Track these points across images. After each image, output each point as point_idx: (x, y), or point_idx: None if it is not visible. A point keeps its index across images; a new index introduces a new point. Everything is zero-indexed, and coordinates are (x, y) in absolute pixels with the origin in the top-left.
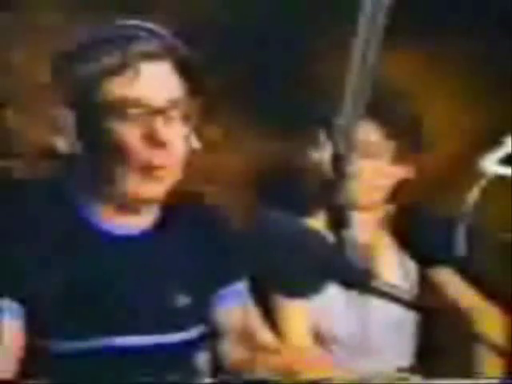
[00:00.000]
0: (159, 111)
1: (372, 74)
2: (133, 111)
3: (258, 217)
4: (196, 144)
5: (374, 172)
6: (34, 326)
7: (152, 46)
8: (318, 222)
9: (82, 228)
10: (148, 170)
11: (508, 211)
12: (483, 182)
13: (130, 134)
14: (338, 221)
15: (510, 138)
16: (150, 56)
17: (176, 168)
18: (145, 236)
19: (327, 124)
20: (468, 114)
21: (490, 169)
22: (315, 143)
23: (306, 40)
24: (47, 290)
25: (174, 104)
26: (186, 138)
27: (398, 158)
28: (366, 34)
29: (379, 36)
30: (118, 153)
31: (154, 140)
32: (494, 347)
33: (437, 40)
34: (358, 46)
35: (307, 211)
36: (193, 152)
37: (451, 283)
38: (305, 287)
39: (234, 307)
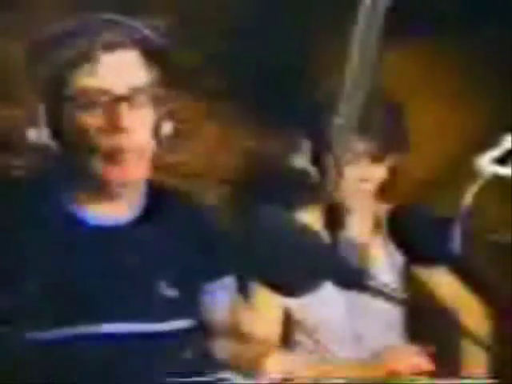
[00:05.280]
0: (121, 98)
1: (371, 74)
2: (95, 100)
3: (254, 214)
4: (168, 130)
5: (354, 178)
6: (21, 316)
7: (114, 36)
8: (312, 218)
9: (65, 218)
10: (112, 155)
11: (505, 211)
12: (480, 182)
13: (93, 121)
14: (334, 221)
15: (506, 138)
16: (112, 45)
17: (141, 152)
18: (129, 226)
19: (325, 124)
20: (466, 113)
21: (487, 168)
22: (296, 145)
23: (306, 40)
24: (33, 279)
25: (138, 91)
26: (157, 124)
27: (377, 158)
28: (366, 27)
29: (378, 32)
30: (83, 140)
31: (115, 126)
32: (484, 347)
33: (435, 40)
34: (357, 41)
35: (303, 209)
36: (167, 138)
37: (445, 283)
38: (296, 286)
39: (222, 301)
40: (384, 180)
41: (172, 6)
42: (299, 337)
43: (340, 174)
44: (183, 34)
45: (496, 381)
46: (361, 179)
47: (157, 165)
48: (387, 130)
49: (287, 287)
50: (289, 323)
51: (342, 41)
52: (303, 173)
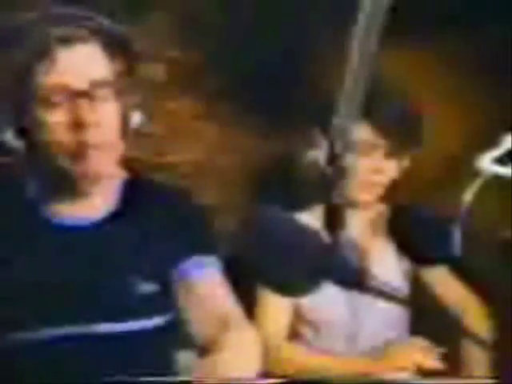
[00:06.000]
0: (82, 93)
1: (370, 72)
2: (56, 97)
3: (254, 214)
4: (138, 120)
5: (367, 169)
6: (3, 317)
7: (71, 30)
8: (312, 218)
9: (37, 218)
10: (78, 152)
11: (505, 210)
12: (480, 182)
13: (57, 118)
14: (335, 221)
15: (506, 137)
16: (67, 40)
17: (108, 146)
18: (102, 224)
19: (325, 123)
20: (466, 113)
21: (487, 168)
22: (312, 142)
23: (306, 40)
24: (8, 281)
25: (100, 84)
26: (123, 117)
27: (391, 154)
28: (366, 27)
29: (378, 32)
30: (49, 138)
31: (78, 122)
32: (485, 346)
33: (436, 40)
34: (357, 41)
35: (304, 209)
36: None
37: (445, 283)
38: (297, 286)
39: (197, 278)
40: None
41: (172, 6)
42: (303, 331)
43: (342, 172)
44: (183, 33)
45: (496, 381)
46: (373, 171)
47: (157, 164)
48: (403, 126)
49: (287, 287)
50: (295, 318)
51: (342, 41)
52: (316, 169)
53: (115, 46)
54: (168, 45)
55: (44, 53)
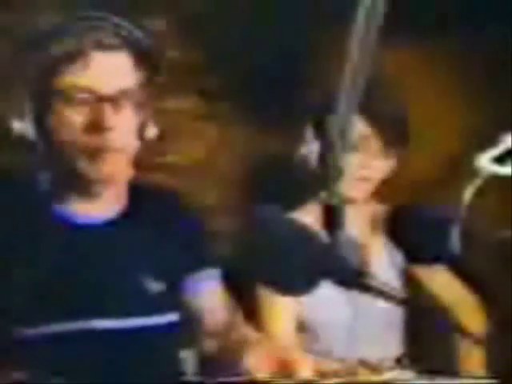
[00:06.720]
0: (107, 99)
1: (369, 70)
2: (81, 97)
3: (253, 214)
4: (152, 133)
5: (360, 164)
6: (7, 313)
7: (108, 36)
8: (312, 218)
9: (49, 216)
10: (95, 154)
11: (503, 209)
12: (480, 181)
13: (77, 118)
14: (333, 221)
15: (506, 137)
16: (104, 46)
17: (124, 152)
18: (111, 224)
19: (324, 122)
20: (466, 113)
21: (487, 168)
22: (305, 140)
23: (305, 39)
24: (19, 276)
25: (125, 93)
26: (140, 127)
27: (384, 151)
28: (365, 26)
29: (378, 31)
30: (67, 138)
31: (98, 125)
32: (483, 346)
33: (435, 39)
34: (356, 41)
35: (303, 209)
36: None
37: (444, 283)
38: (296, 286)
39: (206, 291)
40: (385, 179)
41: (172, 6)
42: (304, 331)
43: (338, 172)
44: (183, 34)
45: (496, 381)
46: (361, 166)
47: (157, 164)
48: (395, 124)
49: (286, 287)
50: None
51: (341, 40)
52: (306, 167)
53: (142, 57)
54: (168, 45)
55: (78, 54)
